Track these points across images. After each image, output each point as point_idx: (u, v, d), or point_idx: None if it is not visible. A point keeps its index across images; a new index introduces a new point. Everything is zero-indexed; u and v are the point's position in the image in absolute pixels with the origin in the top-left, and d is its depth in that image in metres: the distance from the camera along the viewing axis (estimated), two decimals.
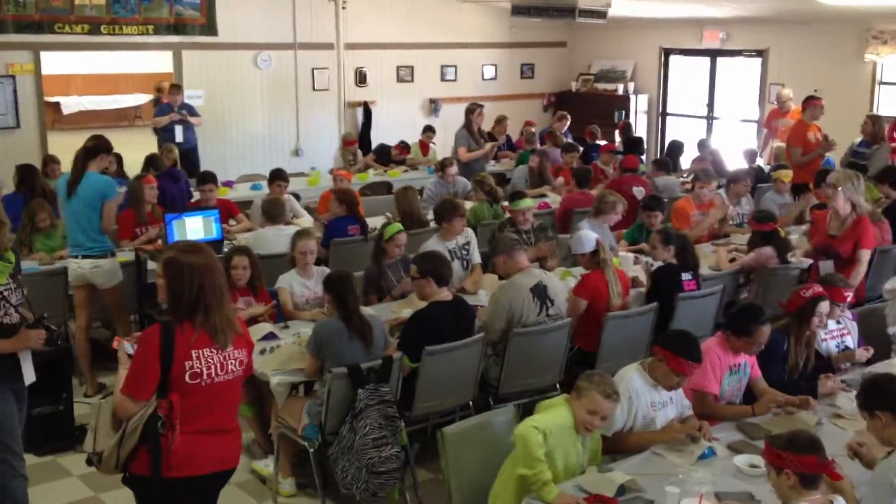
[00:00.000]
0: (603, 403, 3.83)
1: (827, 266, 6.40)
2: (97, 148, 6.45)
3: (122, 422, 3.50)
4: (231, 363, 3.55)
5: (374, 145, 12.95)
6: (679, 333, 4.44)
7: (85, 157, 6.42)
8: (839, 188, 6.39)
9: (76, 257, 6.52)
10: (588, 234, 6.26)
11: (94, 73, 19.23)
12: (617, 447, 4.18)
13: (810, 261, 6.79)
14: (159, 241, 7.20)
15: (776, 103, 11.97)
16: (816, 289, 5.03)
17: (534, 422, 3.80)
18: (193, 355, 3.45)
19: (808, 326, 4.94)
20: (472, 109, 10.68)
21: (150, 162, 9.56)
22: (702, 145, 11.82)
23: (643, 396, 4.24)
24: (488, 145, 10.80)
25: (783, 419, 4.39)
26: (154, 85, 16.36)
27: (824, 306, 4.95)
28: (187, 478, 3.51)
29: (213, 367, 3.49)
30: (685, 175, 10.67)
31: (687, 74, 15.32)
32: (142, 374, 3.45)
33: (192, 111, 11.32)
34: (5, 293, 4.33)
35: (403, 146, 12.28)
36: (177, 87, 11.53)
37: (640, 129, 14.82)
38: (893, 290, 5.73)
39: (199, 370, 3.46)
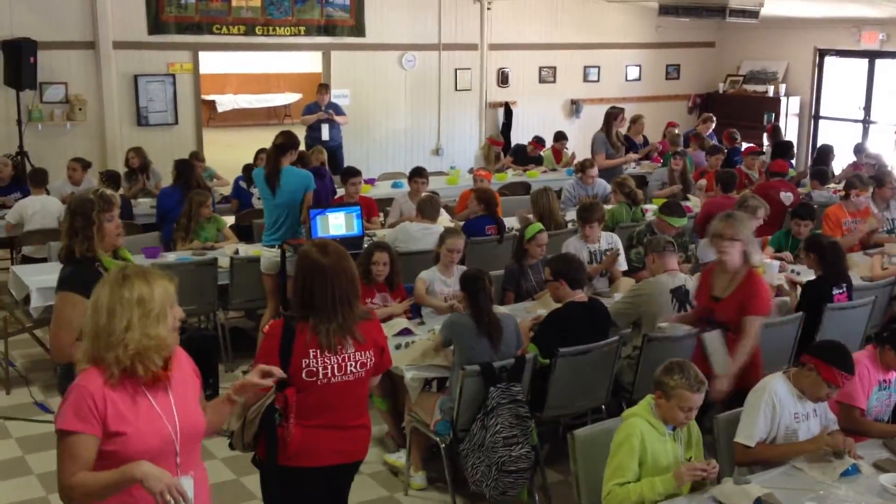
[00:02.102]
0: (693, 398, 3.75)
1: (714, 338, 4.92)
2: (285, 145, 6.93)
3: (247, 408, 3.64)
4: (350, 365, 3.59)
5: (513, 145, 12.98)
6: (831, 343, 4.26)
7: (277, 153, 6.90)
8: (739, 239, 4.92)
9: (272, 247, 6.88)
10: None
11: (248, 72, 19.98)
12: (759, 458, 4.05)
13: (689, 329, 5.38)
14: (304, 236, 7.43)
15: None
16: None
17: (614, 479, 3.74)
18: (311, 354, 3.53)
19: None
20: (615, 115, 10.45)
21: (298, 159, 9.86)
22: (858, 150, 11.27)
23: (787, 406, 4.09)
24: (630, 156, 10.62)
25: None
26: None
27: None
28: (307, 468, 3.61)
29: (329, 367, 3.55)
30: (837, 181, 10.22)
31: (843, 76, 14.65)
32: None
33: (338, 110, 11.63)
34: None
35: (538, 141, 12.26)
36: (324, 87, 11.87)
37: (790, 132, 14.27)
38: None
39: (314, 369, 3.54)
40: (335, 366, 3.57)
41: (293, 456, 3.58)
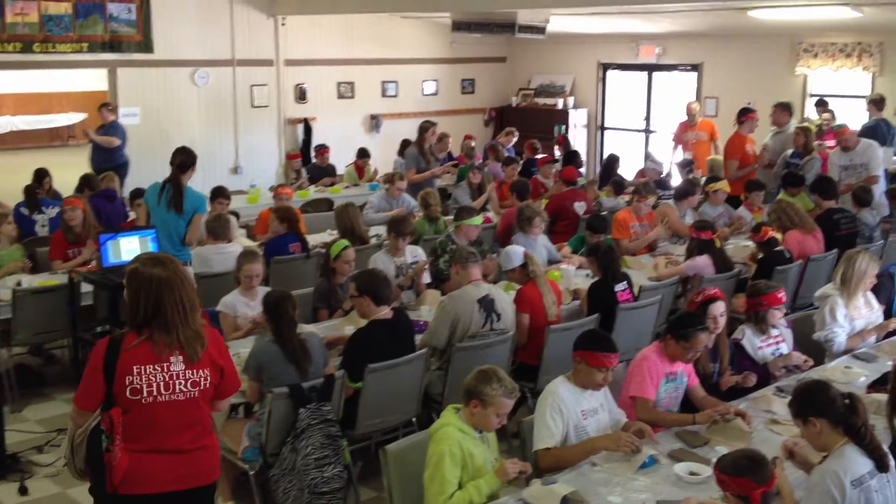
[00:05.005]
0: (509, 403, 3.90)
1: None
2: (186, 163, 6.82)
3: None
4: (179, 383, 3.45)
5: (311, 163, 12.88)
6: (586, 332, 4.58)
7: (179, 172, 6.79)
8: None
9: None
10: (515, 249, 6.33)
11: (27, 91, 18.88)
12: (560, 460, 4.13)
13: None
14: (94, 263, 7.04)
15: (686, 116, 12.18)
16: (708, 291, 5.11)
17: (442, 494, 3.75)
18: (135, 371, 3.39)
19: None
20: (426, 128, 10.55)
21: (86, 182, 9.39)
22: (647, 158, 11.99)
23: (572, 405, 4.23)
24: (437, 169, 10.78)
25: (721, 426, 4.42)
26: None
27: (716, 308, 5.00)
28: (138, 496, 3.44)
29: (155, 385, 3.41)
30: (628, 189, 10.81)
31: (625, 89, 15.51)
32: (87, 385, 3.44)
33: (110, 130, 11.09)
34: None
35: (322, 148, 12.26)
36: (104, 106, 11.36)
37: (579, 143, 14.94)
38: (822, 297, 5.81)
39: (139, 387, 3.39)
40: (161, 383, 3.42)
41: (123, 483, 3.38)
